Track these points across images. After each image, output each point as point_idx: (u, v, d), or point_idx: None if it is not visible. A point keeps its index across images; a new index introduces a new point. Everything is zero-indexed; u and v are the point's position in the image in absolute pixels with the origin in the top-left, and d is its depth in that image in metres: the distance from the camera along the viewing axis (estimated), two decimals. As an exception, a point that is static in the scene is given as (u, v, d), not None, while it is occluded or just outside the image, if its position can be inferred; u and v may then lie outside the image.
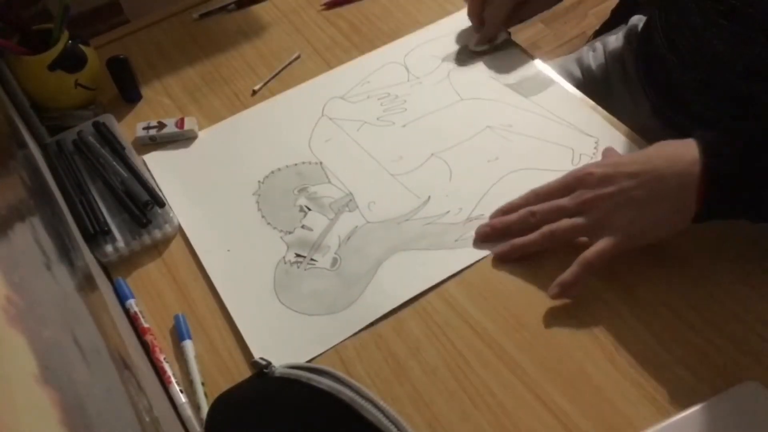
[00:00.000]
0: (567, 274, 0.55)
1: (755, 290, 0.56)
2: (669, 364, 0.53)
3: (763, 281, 0.56)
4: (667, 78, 0.74)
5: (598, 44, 0.87)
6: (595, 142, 0.67)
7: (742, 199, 0.54)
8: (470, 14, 0.78)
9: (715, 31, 0.63)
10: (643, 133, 0.67)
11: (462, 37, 0.80)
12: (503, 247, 0.60)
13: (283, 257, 0.63)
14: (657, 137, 0.62)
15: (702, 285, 0.56)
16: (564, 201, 0.59)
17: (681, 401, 0.51)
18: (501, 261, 0.60)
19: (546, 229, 0.58)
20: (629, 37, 0.84)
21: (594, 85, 0.85)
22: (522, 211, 0.60)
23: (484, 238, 0.61)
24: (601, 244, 0.55)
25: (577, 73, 0.86)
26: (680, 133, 0.72)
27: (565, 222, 0.58)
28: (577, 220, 0.57)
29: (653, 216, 0.55)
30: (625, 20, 0.86)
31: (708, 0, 0.63)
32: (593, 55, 0.86)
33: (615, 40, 0.86)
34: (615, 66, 0.84)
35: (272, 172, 0.70)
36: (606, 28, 0.93)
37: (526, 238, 0.59)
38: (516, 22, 0.77)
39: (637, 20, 0.85)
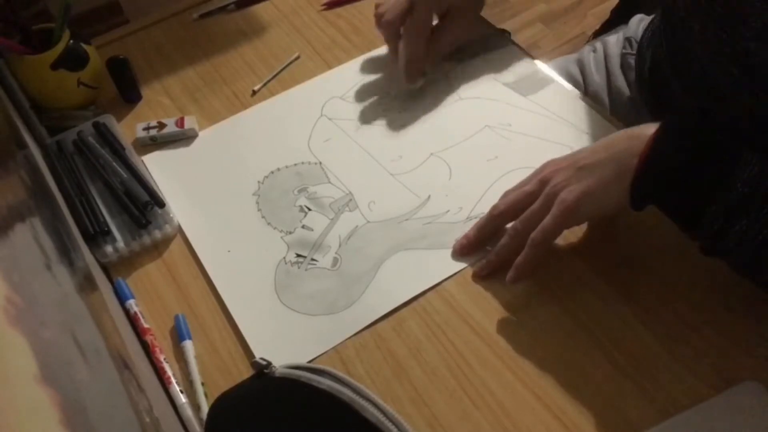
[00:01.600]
0: (520, 257, 0.55)
1: (756, 289, 0.56)
2: (669, 364, 0.53)
3: (763, 281, 0.56)
4: (668, 99, 0.72)
5: (598, 44, 0.87)
6: (595, 140, 0.68)
7: (674, 192, 0.52)
8: (392, 51, 0.74)
9: (721, 71, 0.60)
10: None
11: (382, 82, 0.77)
12: (479, 264, 0.59)
13: (284, 257, 0.63)
14: None
15: (702, 285, 0.57)
16: (525, 188, 0.58)
17: (681, 401, 0.51)
18: (481, 278, 0.59)
19: (509, 227, 0.58)
20: (630, 41, 0.83)
21: (594, 88, 0.84)
22: (489, 215, 0.60)
23: (461, 251, 0.61)
24: (544, 221, 0.54)
25: (578, 75, 0.86)
26: None
27: (525, 213, 0.57)
28: (533, 206, 0.56)
29: (596, 181, 0.53)
30: (626, 20, 0.86)
31: (718, 45, 0.58)
32: (594, 57, 0.86)
33: (615, 41, 0.86)
34: (615, 70, 0.84)
35: (272, 173, 0.70)
36: (607, 27, 0.93)
37: (497, 248, 0.58)
38: (433, 59, 0.74)
39: (637, 21, 0.84)
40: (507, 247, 0.58)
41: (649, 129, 0.53)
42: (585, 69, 0.86)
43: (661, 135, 0.52)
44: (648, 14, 0.84)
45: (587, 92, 0.83)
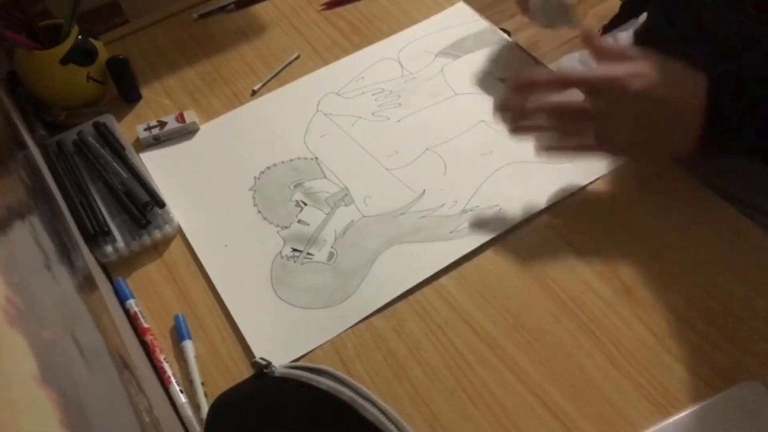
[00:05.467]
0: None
1: (755, 289, 0.56)
2: (669, 364, 0.53)
3: (763, 281, 0.56)
4: (668, 54, 0.72)
5: (610, 40, 0.87)
6: None
7: (742, 137, 0.55)
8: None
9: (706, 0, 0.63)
10: None
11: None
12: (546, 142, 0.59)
13: (280, 252, 0.63)
14: None
15: (702, 284, 0.57)
16: (589, 106, 0.57)
17: (681, 401, 0.51)
18: (547, 155, 0.60)
19: (552, 103, 0.58)
20: (637, 35, 0.83)
21: None
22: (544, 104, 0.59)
23: (503, 108, 0.60)
24: (606, 138, 0.57)
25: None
26: None
27: (576, 103, 0.57)
28: (589, 104, 0.57)
29: (663, 125, 0.56)
30: (635, 15, 0.86)
31: None
32: None
33: (626, 36, 0.85)
34: None
35: (268, 168, 0.70)
36: (616, 23, 0.92)
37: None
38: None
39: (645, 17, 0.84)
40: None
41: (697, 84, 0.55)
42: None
43: (714, 96, 0.54)
44: None
45: None
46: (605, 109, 0.56)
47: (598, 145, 0.58)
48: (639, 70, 0.56)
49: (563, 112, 0.58)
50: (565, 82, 0.59)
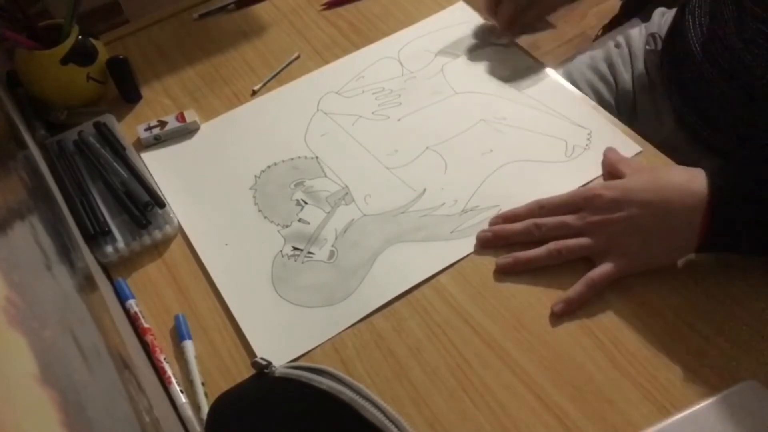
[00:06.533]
0: (572, 293, 0.56)
1: (756, 289, 0.56)
2: (669, 364, 0.53)
3: (763, 280, 0.56)
4: (698, 86, 0.72)
5: (620, 39, 0.85)
6: (588, 134, 0.68)
7: (743, 236, 0.55)
8: (486, 9, 0.78)
9: (751, 47, 0.63)
10: (667, 146, 0.66)
11: (478, 33, 0.80)
12: (506, 259, 0.59)
13: (281, 250, 0.63)
14: (681, 151, 0.61)
15: (702, 284, 0.57)
16: (570, 219, 0.59)
17: (681, 401, 0.51)
18: (503, 273, 0.59)
19: (553, 246, 0.58)
20: (654, 37, 0.81)
21: (623, 86, 0.83)
22: (527, 223, 0.60)
23: (484, 243, 0.61)
24: (607, 267, 0.56)
25: (607, 73, 0.85)
26: (705, 147, 0.70)
27: (572, 242, 0.58)
28: (584, 241, 0.58)
29: (659, 245, 0.56)
30: (638, 11, 0.85)
31: (748, 18, 0.62)
32: (619, 53, 0.84)
33: (638, 34, 0.84)
34: (639, 66, 0.82)
35: (269, 167, 0.70)
36: (616, 23, 0.92)
37: (532, 253, 0.59)
38: (528, 28, 0.75)
39: (660, 15, 0.83)
40: (541, 262, 0.58)
41: (697, 183, 0.55)
42: (614, 67, 0.85)
43: (716, 197, 0.54)
44: (668, 7, 0.83)
45: (617, 90, 0.82)
46: (588, 220, 0.58)
47: (600, 260, 0.57)
48: (622, 183, 0.59)
49: (549, 231, 0.59)
50: (545, 208, 0.61)
